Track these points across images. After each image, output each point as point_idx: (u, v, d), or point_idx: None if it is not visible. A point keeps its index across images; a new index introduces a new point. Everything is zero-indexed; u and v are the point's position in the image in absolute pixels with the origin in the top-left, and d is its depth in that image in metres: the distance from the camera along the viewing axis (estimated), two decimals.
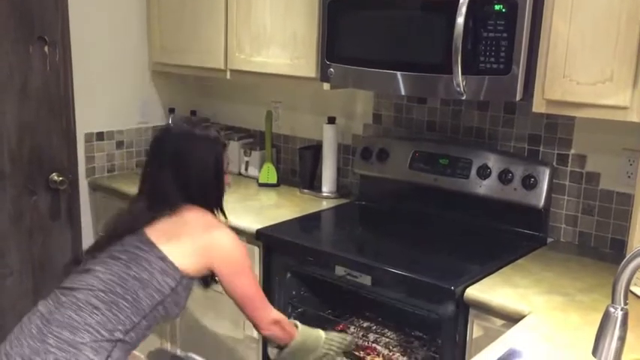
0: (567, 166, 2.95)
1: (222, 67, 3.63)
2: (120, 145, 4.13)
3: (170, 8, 3.88)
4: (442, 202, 3.23)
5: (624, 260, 1.51)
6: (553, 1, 2.41)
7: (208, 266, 2.43)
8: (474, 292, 2.39)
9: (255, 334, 3.12)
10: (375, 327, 3.06)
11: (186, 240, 2.40)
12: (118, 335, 2.19)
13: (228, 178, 2.64)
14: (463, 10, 2.50)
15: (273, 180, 3.87)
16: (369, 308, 3.11)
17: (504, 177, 3.00)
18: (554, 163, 2.98)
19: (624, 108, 2.30)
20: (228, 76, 3.64)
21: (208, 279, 2.59)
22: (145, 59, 4.14)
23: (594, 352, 1.58)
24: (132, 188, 3.70)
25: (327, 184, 3.68)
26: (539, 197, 2.92)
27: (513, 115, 3.09)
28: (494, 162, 3.05)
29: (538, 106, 2.53)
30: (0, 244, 3.53)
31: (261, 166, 3.93)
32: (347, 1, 2.97)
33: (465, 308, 2.41)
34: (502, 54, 2.49)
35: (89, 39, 3.81)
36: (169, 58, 3.96)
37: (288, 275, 3.06)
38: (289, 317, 3.03)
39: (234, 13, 3.49)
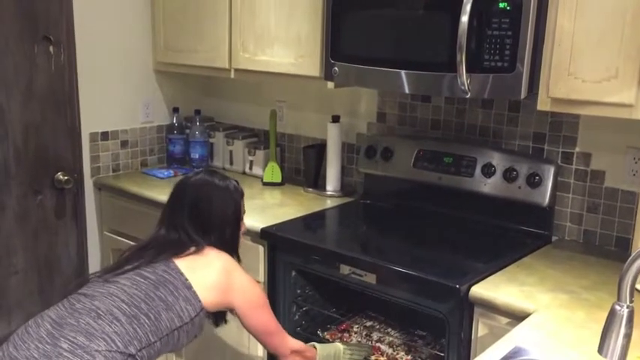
0: (572, 164, 2.94)
1: (227, 67, 3.63)
2: (124, 144, 4.13)
3: (174, 8, 3.88)
4: (446, 201, 3.22)
5: (629, 258, 1.51)
6: None
7: (227, 304, 2.51)
8: (479, 290, 2.38)
9: (259, 351, 3.13)
10: (378, 326, 3.06)
11: (210, 276, 2.46)
12: (132, 350, 2.17)
13: (244, 226, 2.73)
14: (467, 8, 2.49)
15: (278, 179, 3.87)
16: (374, 307, 3.11)
17: (509, 175, 2.99)
18: (559, 161, 2.97)
19: (629, 106, 2.29)
20: (232, 75, 3.64)
21: (219, 318, 2.66)
22: (149, 59, 4.14)
23: (600, 349, 1.57)
24: (136, 187, 3.75)
25: (332, 183, 3.67)
26: (544, 195, 2.92)
27: (518, 113, 3.08)
28: (498, 160, 3.04)
29: (543, 105, 2.52)
30: (5, 243, 3.53)
31: (265, 165, 3.93)
32: (351, 0, 2.95)
33: (469, 306, 2.40)
34: (507, 52, 2.48)
35: (94, 39, 3.81)
36: (173, 58, 3.96)
37: (293, 274, 3.05)
38: (294, 316, 3.04)
39: (239, 12, 3.49)
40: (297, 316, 3.09)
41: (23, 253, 3.61)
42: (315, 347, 2.72)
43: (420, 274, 2.50)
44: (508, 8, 2.46)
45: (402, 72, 2.81)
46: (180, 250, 2.49)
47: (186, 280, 2.39)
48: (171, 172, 4.07)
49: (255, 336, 2.61)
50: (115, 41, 3.96)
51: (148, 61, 4.14)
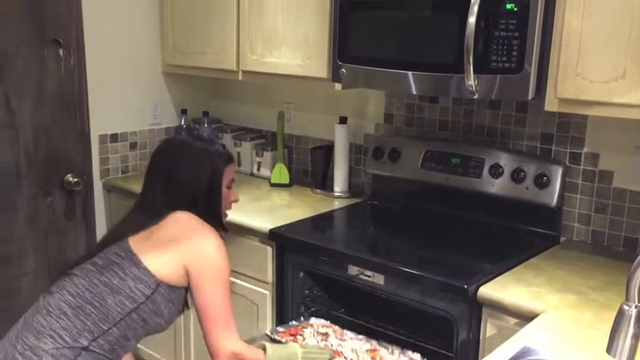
0: (580, 165, 2.93)
1: (234, 69, 3.63)
2: (133, 146, 4.13)
3: (182, 10, 3.88)
4: (454, 202, 3.22)
5: (638, 258, 1.50)
6: None
7: (184, 265, 2.29)
8: (487, 290, 2.37)
9: None
10: (334, 333, 2.90)
11: (168, 245, 2.31)
12: (83, 342, 2.11)
13: (233, 195, 2.60)
14: (475, 9, 2.49)
15: (286, 180, 3.87)
16: (382, 307, 3.10)
17: (517, 176, 2.99)
18: (567, 162, 2.96)
19: (637, 106, 2.28)
20: (240, 77, 3.64)
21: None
22: (157, 61, 4.14)
23: (608, 349, 1.57)
24: None
25: (339, 184, 3.67)
26: (552, 196, 2.91)
27: (525, 114, 3.07)
28: (506, 161, 3.04)
29: (550, 105, 2.52)
30: (16, 245, 3.54)
31: (273, 167, 3.92)
32: (358, 2, 2.95)
33: (478, 307, 2.40)
34: (514, 53, 2.48)
35: (103, 42, 3.82)
36: (181, 60, 3.96)
37: (301, 275, 3.05)
38: (302, 316, 3.03)
39: (246, 14, 3.49)
40: (305, 317, 3.08)
41: (33, 255, 3.62)
42: (264, 348, 2.45)
43: (428, 274, 2.50)
44: (515, 9, 2.45)
45: (410, 73, 2.81)
46: (139, 225, 2.37)
47: (134, 256, 2.26)
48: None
49: (199, 320, 2.32)
50: (124, 44, 3.96)
51: (156, 64, 4.14)
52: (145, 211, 2.43)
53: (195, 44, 3.79)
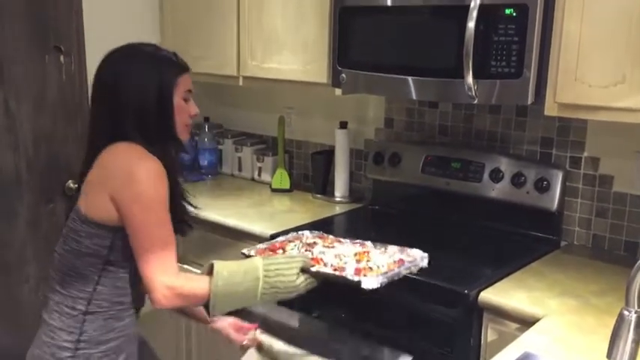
0: (580, 169, 2.94)
1: (235, 74, 3.63)
2: None
3: (183, 17, 3.89)
4: (455, 206, 3.22)
5: (638, 263, 1.50)
6: (564, 3, 2.39)
7: (112, 200, 2.07)
8: (488, 295, 2.38)
9: None
10: (323, 243, 2.60)
11: (102, 187, 2.10)
12: (81, 308, 2.13)
13: (192, 108, 2.29)
14: (474, 14, 2.50)
15: (286, 185, 3.87)
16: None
17: (517, 180, 2.99)
18: (567, 166, 2.96)
19: (637, 111, 2.28)
20: (240, 82, 3.64)
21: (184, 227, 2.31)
22: None
23: (609, 355, 1.57)
24: None
25: (340, 189, 3.67)
26: (552, 200, 2.91)
27: (525, 118, 3.08)
28: (506, 165, 3.04)
29: (550, 110, 2.52)
30: (17, 252, 3.53)
31: (273, 172, 3.93)
32: (358, 7, 2.96)
33: (479, 312, 2.40)
34: (513, 58, 2.48)
35: (104, 48, 3.76)
36: None
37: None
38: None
39: (246, 20, 3.49)
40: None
41: (34, 262, 3.61)
42: (211, 271, 2.10)
43: (428, 279, 2.49)
44: (514, 14, 2.46)
45: (410, 78, 2.81)
46: (84, 169, 2.21)
47: (82, 215, 2.14)
48: (180, 179, 4.06)
49: (132, 248, 2.10)
50: None
51: None
52: (87, 148, 2.25)
53: (196, 50, 3.79)
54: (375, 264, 2.29)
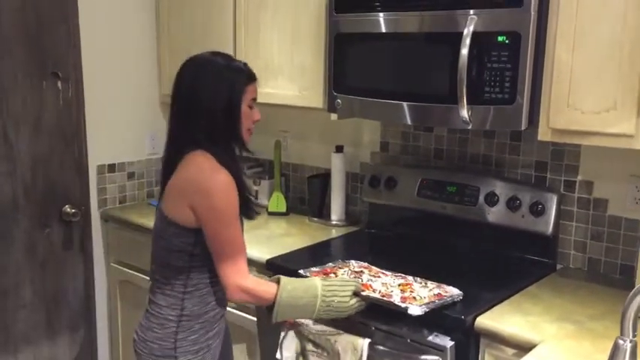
0: (575, 193, 2.95)
1: None
2: (131, 175, 4.14)
3: (179, 42, 3.91)
4: (451, 230, 3.23)
5: (631, 292, 1.52)
6: (556, 31, 2.42)
7: (190, 207, 2.33)
8: (485, 320, 2.38)
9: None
10: (369, 272, 2.81)
11: (182, 197, 2.35)
12: (180, 289, 2.44)
13: (255, 115, 2.53)
14: (467, 41, 2.52)
15: (283, 209, 3.87)
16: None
17: (512, 204, 3.00)
18: (562, 190, 2.97)
19: (630, 136, 2.31)
20: None
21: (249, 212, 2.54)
22: (155, 92, 4.17)
23: None
24: (143, 219, 3.77)
25: (336, 213, 3.68)
26: (548, 224, 2.92)
27: (520, 143, 3.09)
28: (501, 189, 3.05)
29: (543, 135, 2.54)
30: (13, 277, 3.54)
31: (270, 195, 3.93)
32: (353, 34, 2.99)
33: (475, 337, 2.40)
34: (506, 84, 2.50)
35: (101, 73, 3.84)
36: None
37: None
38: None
39: (243, 45, 3.51)
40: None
41: (31, 286, 3.62)
42: (279, 282, 2.43)
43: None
44: (507, 42, 2.48)
45: (404, 104, 2.84)
46: (168, 172, 2.44)
47: (166, 217, 2.39)
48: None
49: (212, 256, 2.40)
50: (122, 76, 3.99)
51: (153, 94, 4.17)
52: (168, 152, 2.49)
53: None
54: (418, 295, 2.52)
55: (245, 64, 2.51)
